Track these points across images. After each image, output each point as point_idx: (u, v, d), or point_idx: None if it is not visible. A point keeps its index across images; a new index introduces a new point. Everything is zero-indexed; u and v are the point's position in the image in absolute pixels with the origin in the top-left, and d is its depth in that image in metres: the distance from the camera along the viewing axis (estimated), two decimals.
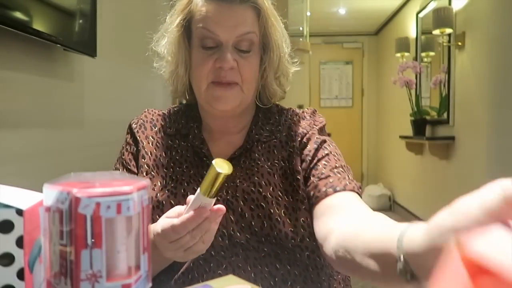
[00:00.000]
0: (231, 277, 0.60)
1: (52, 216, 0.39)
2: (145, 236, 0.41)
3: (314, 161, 0.82)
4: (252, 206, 0.78)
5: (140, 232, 0.40)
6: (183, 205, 0.72)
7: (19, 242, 0.40)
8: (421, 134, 3.82)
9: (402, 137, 4.29)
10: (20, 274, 0.41)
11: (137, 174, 0.85)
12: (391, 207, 5.31)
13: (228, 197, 0.80)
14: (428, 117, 3.86)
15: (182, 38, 0.83)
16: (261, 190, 0.79)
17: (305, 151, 0.84)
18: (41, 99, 1.32)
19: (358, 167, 6.35)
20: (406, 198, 4.89)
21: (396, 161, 5.19)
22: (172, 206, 0.77)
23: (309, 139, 0.85)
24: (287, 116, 0.91)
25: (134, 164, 0.86)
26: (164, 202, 0.79)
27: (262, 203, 0.78)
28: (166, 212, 0.74)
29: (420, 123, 3.84)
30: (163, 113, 0.93)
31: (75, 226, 0.37)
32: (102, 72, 1.74)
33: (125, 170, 0.86)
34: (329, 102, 6.41)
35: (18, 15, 1.08)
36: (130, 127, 0.91)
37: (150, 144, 0.87)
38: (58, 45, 1.29)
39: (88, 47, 1.47)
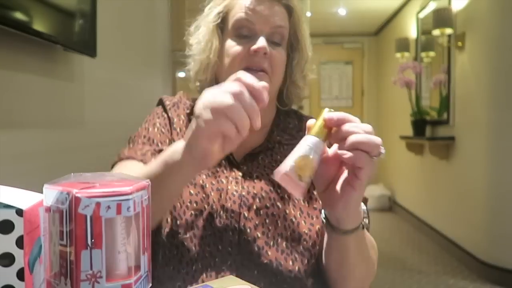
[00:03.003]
0: (231, 277, 0.60)
1: (52, 216, 0.39)
2: (145, 236, 0.41)
3: None
4: (267, 204, 0.79)
5: (140, 232, 0.40)
6: (202, 196, 0.79)
7: (19, 242, 0.40)
8: (421, 134, 3.82)
9: (402, 137, 4.29)
10: (20, 275, 0.41)
11: (158, 147, 0.86)
12: (391, 207, 5.31)
13: (243, 193, 0.80)
14: (428, 117, 3.86)
15: (216, 28, 0.86)
16: (279, 191, 0.81)
17: None
18: (41, 99, 1.32)
19: None
20: (406, 198, 4.89)
21: (396, 161, 5.19)
22: (191, 195, 0.79)
23: None
24: (304, 122, 0.93)
25: (160, 140, 0.87)
26: (183, 189, 0.80)
27: (278, 203, 0.80)
28: (183, 197, 0.78)
29: (420, 123, 3.84)
30: (194, 99, 0.95)
31: (75, 226, 0.37)
32: (102, 72, 1.74)
33: (146, 142, 0.86)
34: (329, 102, 6.40)
35: (19, 15, 1.08)
36: (162, 102, 0.93)
37: (181, 122, 0.89)
38: (58, 45, 1.29)
39: (88, 47, 1.47)
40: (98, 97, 1.73)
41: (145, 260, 0.41)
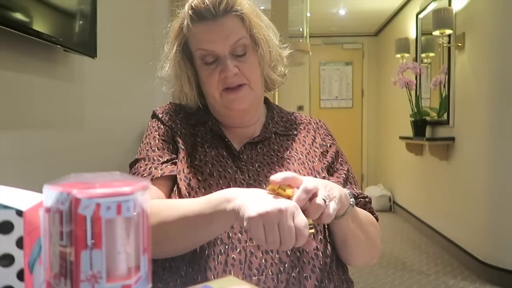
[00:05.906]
0: (231, 278, 0.61)
1: (52, 217, 0.39)
2: (145, 236, 0.41)
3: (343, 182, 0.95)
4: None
5: (140, 232, 0.40)
6: (210, 183, 0.84)
7: (19, 243, 0.40)
8: (421, 135, 3.82)
9: (402, 138, 4.29)
10: (20, 275, 0.41)
11: (166, 160, 0.90)
12: (391, 208, 5.31)
13: (250, 182, 0.86)
14: (428, 118, 3.86)
15: (182, 61, 0.93)
16: None
17: (337, 167, 0.97)
18: (41, 99, 1.32)
19: (358, 168, 6.35)
20: (406, 199, 4.88)
21: (396, 162, 5.19)
22: (199, 181, 0.84)
23: (340, 160, 0.98)
24: (296, 118, 1.03)
25: (163, 147, 0.92)
26: (191, 177, 0.86)
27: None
28: (192, 185, 0.83)
29: (420, 124, 3.84)
30: (183, 106, 1.02)
31: (75, 227, 0.37)
32: (102, 73, 1.74)
33: (149, 162, 0.90)
34: (329, 103, 6.40)
35: (19, 16, 1.08)
36: (155, 114, 0.99)
37: (178, 125, 0.95)
38: (58, 46, 1.29)
39: (88, 48, 1.47)
40: (98, 98, 1.73)
41: (145, 260, 0.41)
